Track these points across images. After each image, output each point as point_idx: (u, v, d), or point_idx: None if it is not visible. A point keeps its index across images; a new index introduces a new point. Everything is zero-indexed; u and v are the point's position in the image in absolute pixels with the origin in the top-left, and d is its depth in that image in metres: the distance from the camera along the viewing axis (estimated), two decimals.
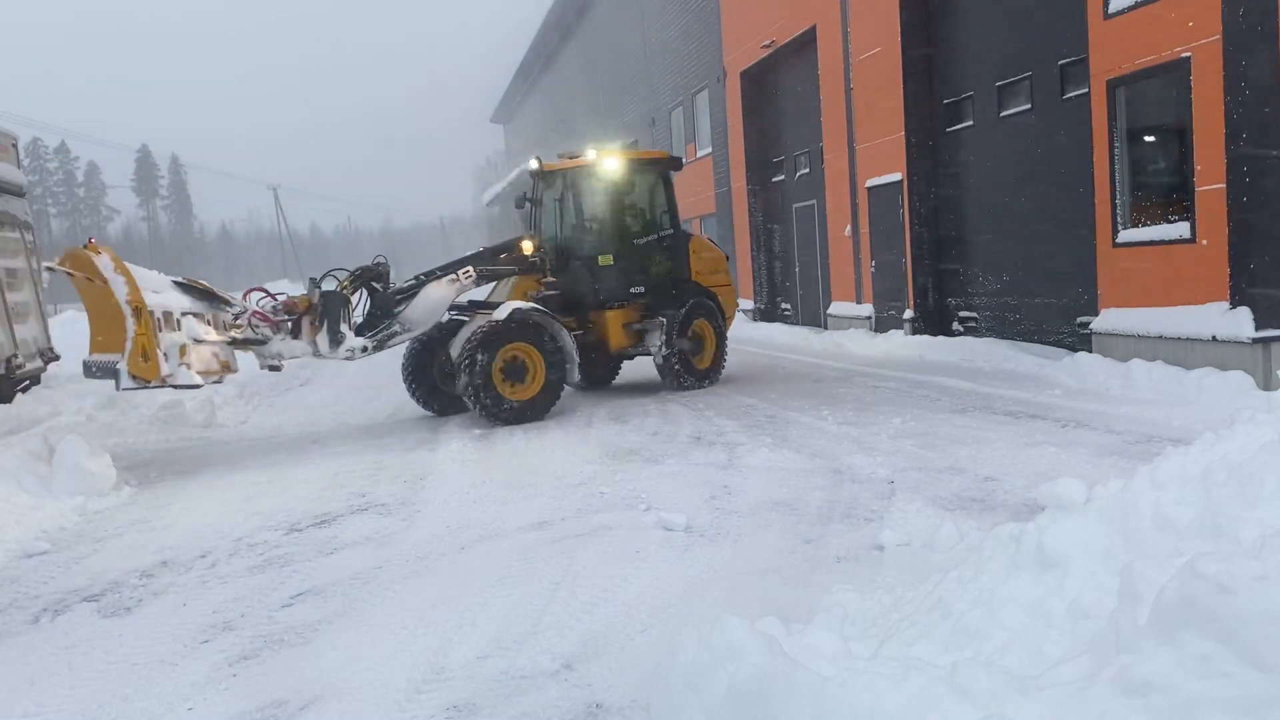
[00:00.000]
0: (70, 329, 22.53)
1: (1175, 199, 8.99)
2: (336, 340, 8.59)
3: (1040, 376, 9.80)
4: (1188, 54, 8.47)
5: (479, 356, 8.88)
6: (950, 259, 13.40)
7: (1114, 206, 9.64)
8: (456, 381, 9.23)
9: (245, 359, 8.79)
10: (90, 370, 7.97)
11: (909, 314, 13.71)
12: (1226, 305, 8.31)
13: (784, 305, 19.54)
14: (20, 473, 6.84)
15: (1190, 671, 2.05)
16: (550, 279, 10.10)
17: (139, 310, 7.20)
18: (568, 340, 9.54)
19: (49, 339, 13.77)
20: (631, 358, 11.05)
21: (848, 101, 15.11)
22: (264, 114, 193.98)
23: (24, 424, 9.63)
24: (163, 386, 7.51)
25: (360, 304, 9.08)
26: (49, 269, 7.92)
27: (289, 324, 8.60)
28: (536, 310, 9.46)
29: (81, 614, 4.58)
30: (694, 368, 10.71)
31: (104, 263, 7.35)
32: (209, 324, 8.23)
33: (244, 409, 11.28)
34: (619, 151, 11.10)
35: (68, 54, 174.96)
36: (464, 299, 9.72)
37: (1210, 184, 8.38)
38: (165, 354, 7.35)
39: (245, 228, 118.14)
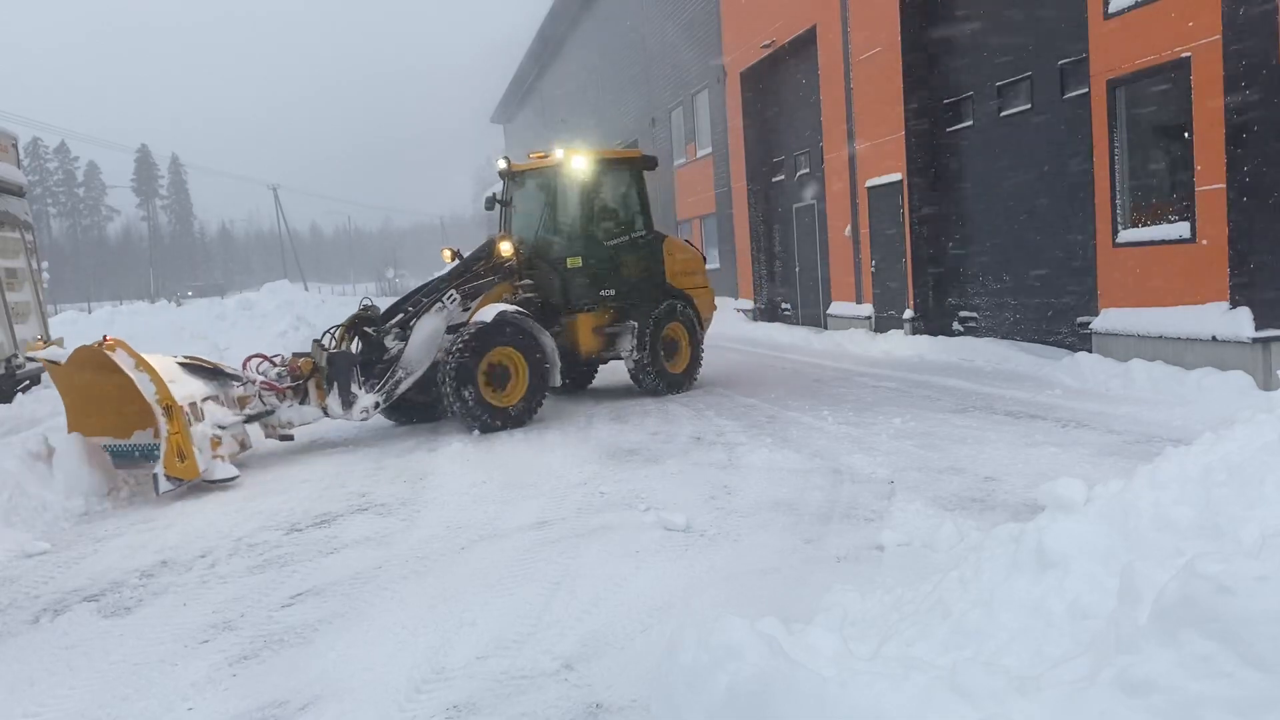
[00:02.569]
0: (70, 329, 22.60)
1: (1175, 199, 8.99)
2: (349, 402, 8.44)
3: (1040, 376, 9.80)
4: (1188, 54, 8.47)
5: (465, 361, 8.66)
6: (950, 259, 13.40)
7: (1114, 206, 9.64)
8: (440, 387, 8.87)
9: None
10: (117, 457, 7.33)
11: (909, 314, 13.71)
12: (1226, 305, 8.31)
13: (784, 305, 19.54)
14: (20, 473, 6.84)
15: (1191, 671, 2.04)
16: (526, 281, 9.89)
17: (170, 408, 6.82)
18: (549, 343, 9.32)
19: (49, 339, 13.77)
20: (604, 362, 10.84)
21: (848, 101, 15.11)
22: (264, 113, 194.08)
23: (24, 424, 9.61)
24: (203, 482, 7.03)
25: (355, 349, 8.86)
26: (29, 358, 7.35)
27: (293, 389, 8.38)
28: (519, 313, 9.26)
29: (81, 614, 4.58)
30: (667, 372, 10.47)
31: (124, 359, 6.93)
32: (223, 404, 7.91)
33: None
34: (588, 150, 10.69)
35: (68, 54, 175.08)
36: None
37: (1210, 184, 8.38)
38: (199, 449, 7.01)
39: (245, 228, 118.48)
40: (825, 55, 15.80)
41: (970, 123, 12.64)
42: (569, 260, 10.05)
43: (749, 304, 20.40)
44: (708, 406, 9.47)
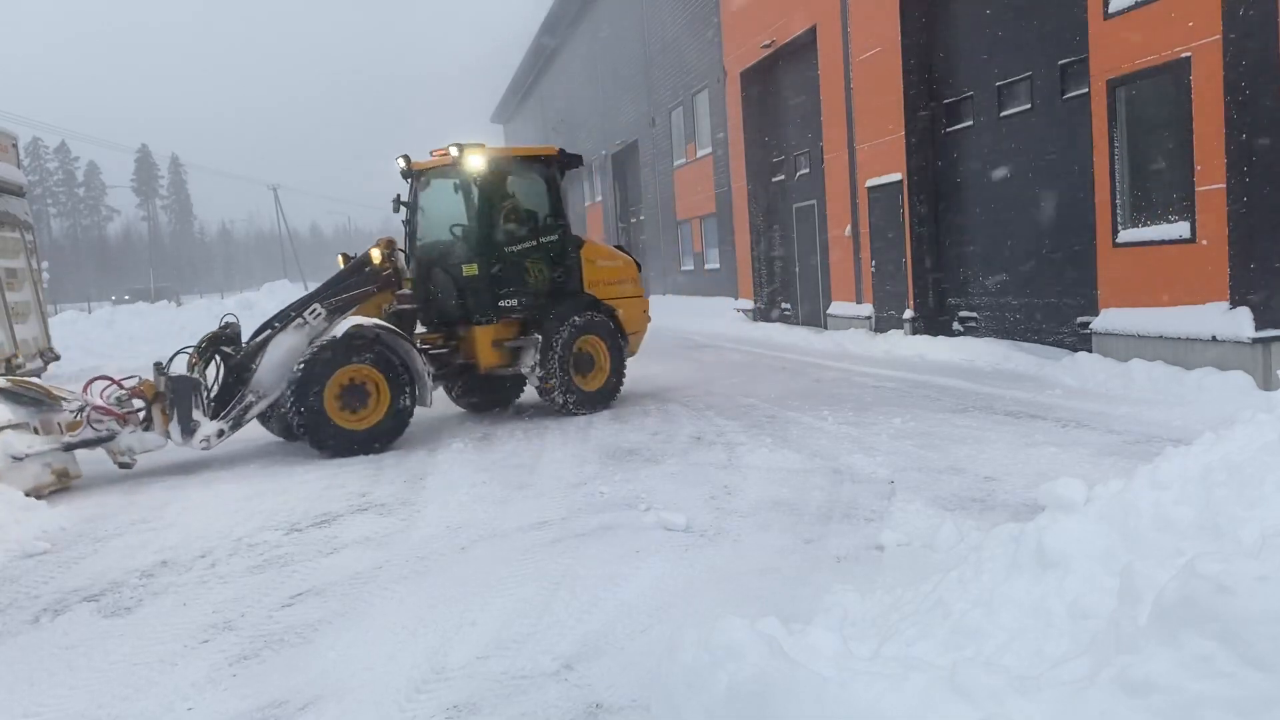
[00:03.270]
0: (70, 329, 22.61)
1: (1175, 199, 8.99)
2: (189, 429, 7.79)
3: (1040, 376, 9.80)
4: (1188, 54, 8.47)
5: (306, 382, 7.97)
6: (950, 259, 13.40)
7: (1114, 206, 9.64)
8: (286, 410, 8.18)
9: (96, 457, 7.79)
10: None
11: (909, 314, 13.70)
12: (1226, 305, 8.31)
13: (784, 305, 19.54)
14: None
15: (1190, 671, 2.04)
16: (404, 291, 9.07)
17: None
18: (417, 360, 8.59)
19: (49, 339, 13.80)
20: (520, 379, 10.18)
21: (848, 101, 15.11)
22: (264, 113, 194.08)
23: None
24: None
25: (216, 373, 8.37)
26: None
27: (139, 414, 7.82)
28: (381, 327, 8.45)
29: (81, 614, 4.58)
30: (579, 390, 9.45)
31: None
32: (38, 430, 7.36)
33: None
34: (492, 147, 9.68)
35: (67, 54, 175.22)
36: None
37: (1210, 184, 8.38)
38: None
39: (245, 228, 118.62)
40: (825, 55, 15.80)
41: (970, 123, 12.64)
42: (465, 268, 9.12)
43: (749, 304, 20.40)
44: (708, 406, 9.47)
